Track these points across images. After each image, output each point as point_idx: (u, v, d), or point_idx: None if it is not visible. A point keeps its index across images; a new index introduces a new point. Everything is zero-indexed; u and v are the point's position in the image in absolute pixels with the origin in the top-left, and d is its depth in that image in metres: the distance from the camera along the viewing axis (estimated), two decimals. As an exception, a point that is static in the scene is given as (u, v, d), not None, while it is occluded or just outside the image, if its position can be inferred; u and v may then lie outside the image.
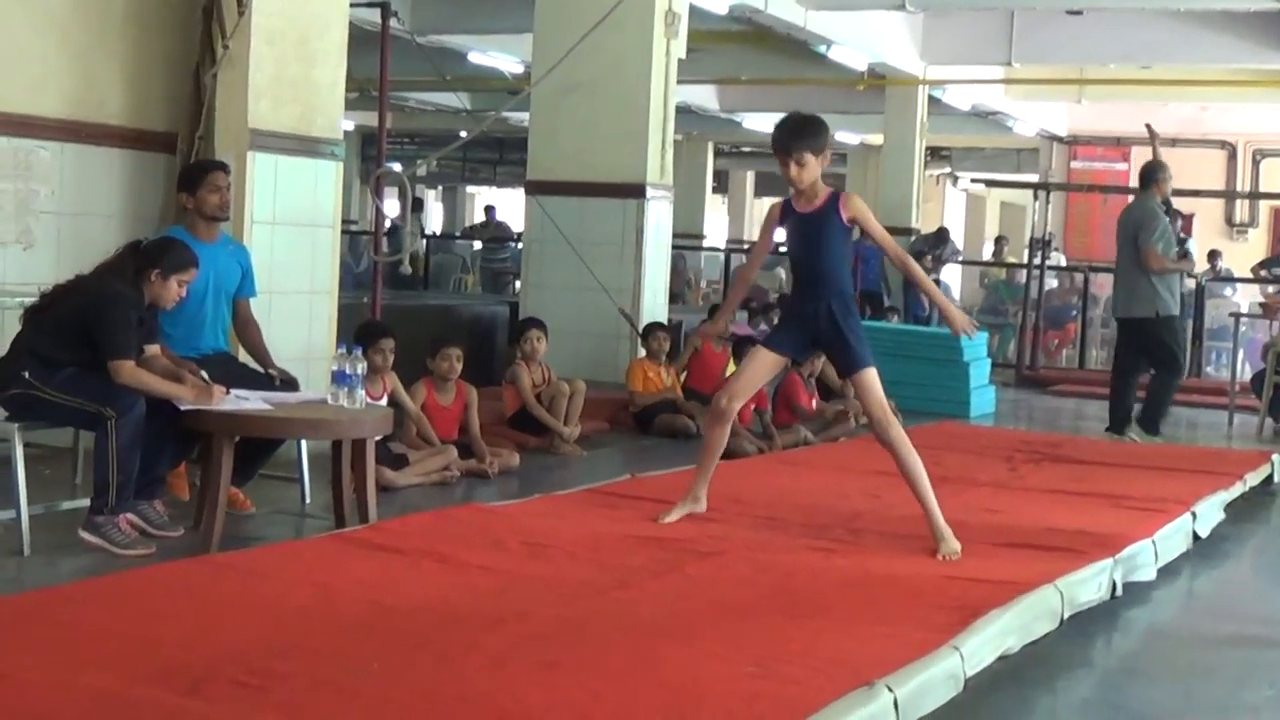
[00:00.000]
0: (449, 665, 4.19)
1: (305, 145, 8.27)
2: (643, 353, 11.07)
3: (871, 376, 6.42)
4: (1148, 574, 6.56)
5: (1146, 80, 20.59)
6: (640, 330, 11.49)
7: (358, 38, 8.65)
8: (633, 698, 3.99)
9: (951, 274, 23.21)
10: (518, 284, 20.22)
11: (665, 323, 11.56)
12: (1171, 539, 7.03)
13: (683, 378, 11.19)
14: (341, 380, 6.50)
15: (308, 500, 7.34)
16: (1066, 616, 5.58)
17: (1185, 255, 17.12)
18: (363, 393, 6.59)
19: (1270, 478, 9.35)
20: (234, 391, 6.41)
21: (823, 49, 17.28)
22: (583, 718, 3.79)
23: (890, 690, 4.11)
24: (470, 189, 40.07)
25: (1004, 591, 5.35)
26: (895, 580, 5.68)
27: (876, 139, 25.92)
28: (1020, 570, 5.79)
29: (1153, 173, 11.41)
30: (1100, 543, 6.39)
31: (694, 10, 12.40)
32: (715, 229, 34.89)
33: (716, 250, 27.27)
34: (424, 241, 15.73)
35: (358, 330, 8.04)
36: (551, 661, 4.26)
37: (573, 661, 4.27)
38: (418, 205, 11.87)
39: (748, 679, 4.21)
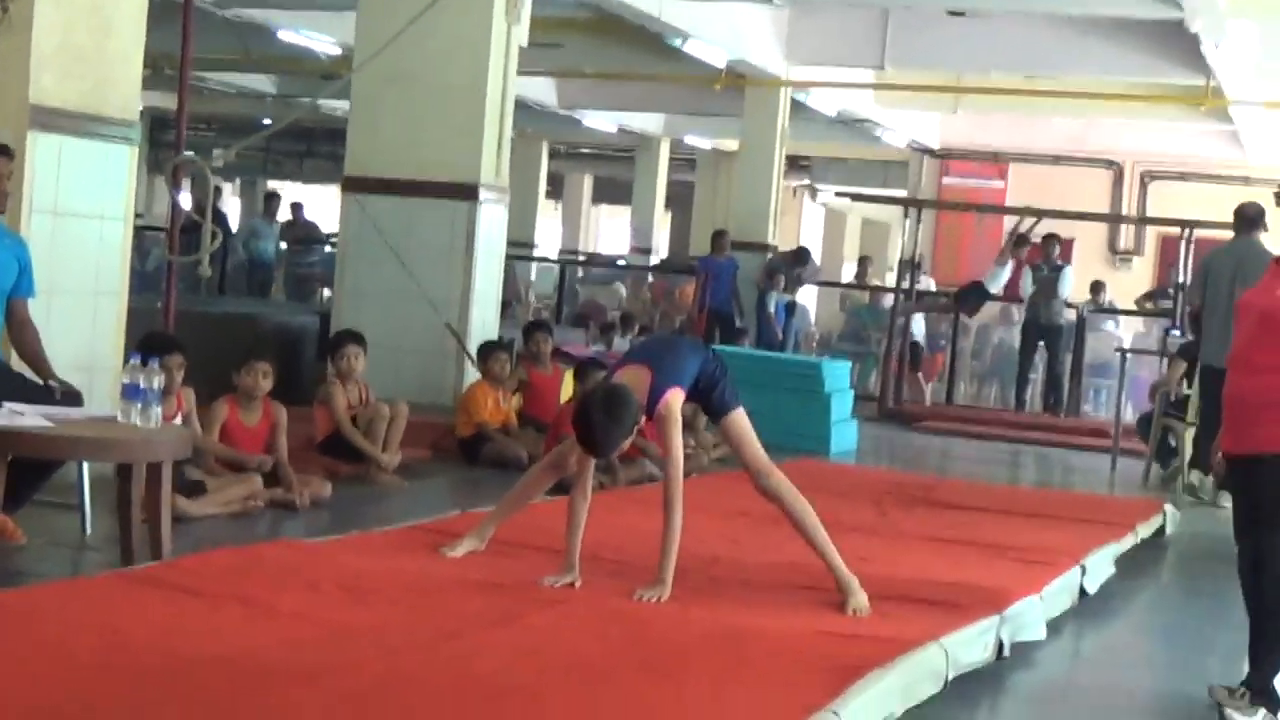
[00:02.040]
0: (261, 727, 4.06)
1: (95, 126, 8.03)
2: (476, 375, 10.96)
3: (743, 419, 6.41)
4: (1035, 633, 6.61)
5: (1028, 91, 20.94)
6: (469, 348, 11.39)
7: (152, 8, 8.44)
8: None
9: (808, 295, 23.38)
10: (326, 291, 20.09)
11: (499, 340, 11.47)
12: (1059, 595, 7.10)
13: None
14: (134, 395, 6.32)
15: (89, 531, 7.13)
16: (950, 678, 5.59)
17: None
18: (159, 410, 6.41)
19: (1162, 529, 9.50)
20: (7, 404, 6.20)
21: (678, 42, 17.31)
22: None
23: (764, 761, 4.07)
24: (273, 183, 39.63)
25: (884, 650, 5.34)
26: (763, 634, 5.64)
27: (730, 144, 26.12)
28: (900, 626, 5.80)
29: (1261, 214, 11.60)
30: (985, 598, 6.42)
31: (536, -5, 12.35)
32: (548, 237, 34.88)
33: (549, 261, 27.27)
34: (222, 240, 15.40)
35: (141, 342, 7.83)
36: (378, 724, 4.15)
37: (403, 724, 4.17)
38: (216, 197, 11.68)
39: (602, 747, 4.14)
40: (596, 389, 6.30)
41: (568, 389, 11.30)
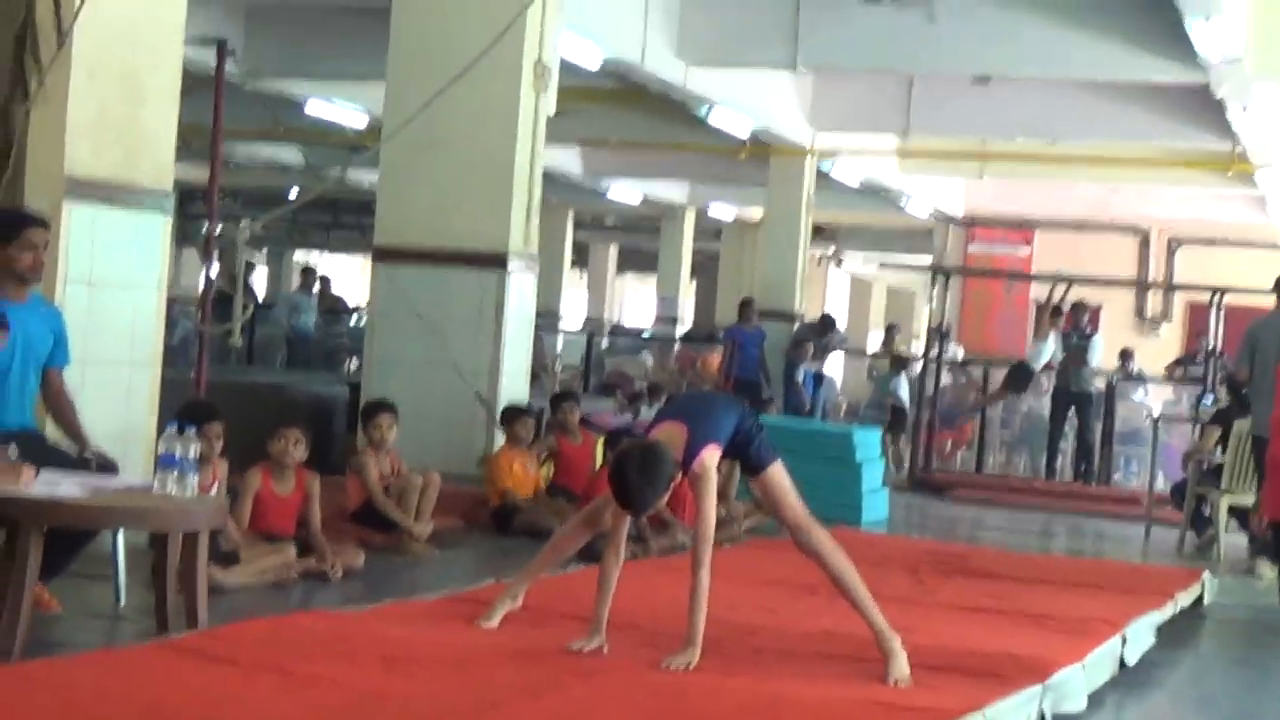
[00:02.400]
0: (304, 798, 4.03)
1: (129, 196, 8.06)
2: (501, 440, 10.94)
3: (781, 474, 6.37)
4: (1077, 704, 6.54)
5: (1053, 157, 20.99)
6: (493, 413, 11.38)
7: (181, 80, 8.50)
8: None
9: (835, 365, 23.38)
10: (354, 362, 20.13)
11: (522, 405, 11.45)
12: (1100, 665, 7.03)
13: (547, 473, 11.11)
14: (170, 464, 6.30)
15: (123, 601, 7.11)
16: (995, 750, 5.53)
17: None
18: (194, 479, 6.40)
19: (1200, 599, 9.42)
20: (43, 474, 6.19)
21: (703, 111, 17.39)
22: None
23: (812, 834, 4.02)
24: (299, 254, 39.81)
25: (928, 720, 5.29)
26: (804, 705, 5.60)
27: (755, 213, 26.17)
28: (944, 696, 5.75)
29: None
30: (1027, 667, 6.36)
31: (562, 65, 12.38)
32: (573, 307, 34.95)
33: (574, 333, 27.29)
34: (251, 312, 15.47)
35: (181, 410, 7.83)
36: (423, 795, 4.11)
37: (448, 796, 4.13)
38: (247, 270, 11.73)
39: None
40: (633, 446, 6.25)
41: (598, 458, 11.29)
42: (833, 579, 6.38)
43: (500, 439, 11.26)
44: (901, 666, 6.16)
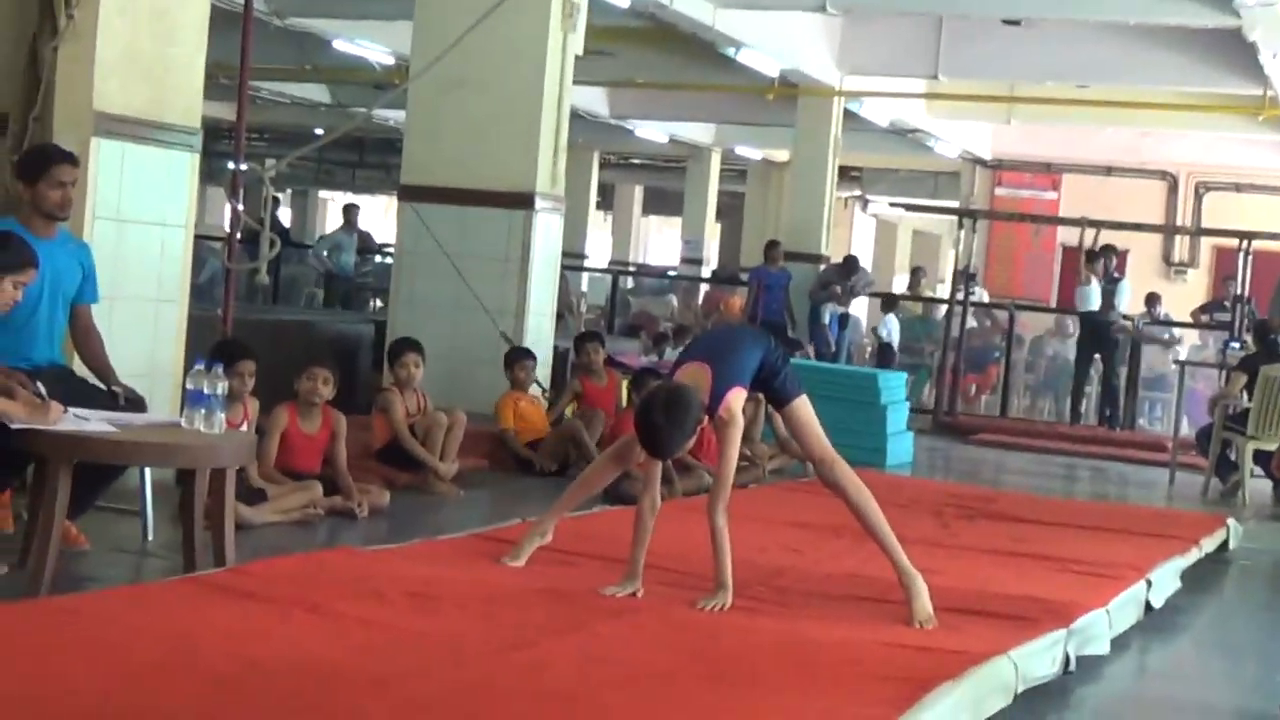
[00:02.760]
0: (333, 733, 4.05)
1: (158, 132, 8.06)
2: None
3: (806, 407, 6.36)
4: (1101, 647, 6.55)
5: (1082, 101, 20.85)
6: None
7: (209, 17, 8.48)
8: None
9: (860, 307, 23.32)
10: (378, 301, 20.12)
11: (554, 347, 11.43)
12: (1125, 609, 7.04)
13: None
14: (199, 401, 6.31)
15: (150, 537, 7.14)
16: (1019, 692, 5.53)
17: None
18: (222, 416, 6.41)
19: (1225, 544, 9.42)
20: (72, 410, 6.20)
21: (731, 51, 17.31)
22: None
23: (838, 773, 4.03)
24: (324, 193, 39.78)
25: (953, 662, 5.30)
26: (831, 645, 5.61)
27: (782, 155, 26.10)
28: (969, 639, 5.75)
29: None
30: (1051, 611, 6.37)
31: (591, 4, 12.33)
32: (599, 248, 34.90)
33: (600, 272, 27.26)
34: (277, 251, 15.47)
35: (213, 348, 7.84)
36: (450, 732, 4.13)
37: (474, 733, 4.15)
38: (273, 207, 11.67)
39: (676, 756, 4.11)
40: (660, 389, 6.23)
41: (623, 399, 11.29)
42: (855, 514, 6.38)
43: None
44: (925, 606, 6.16)
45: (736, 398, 6.17)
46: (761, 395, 6.77)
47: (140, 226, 8.07)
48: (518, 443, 10.49)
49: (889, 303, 20.15)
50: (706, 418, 6.12)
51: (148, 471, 7.08)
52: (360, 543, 7.27)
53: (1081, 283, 17.76)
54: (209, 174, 27.23)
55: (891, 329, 19.76)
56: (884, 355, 19.27)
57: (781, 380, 6.37)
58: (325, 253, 21.20)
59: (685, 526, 7.60)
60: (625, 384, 11.32)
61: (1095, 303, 17.52)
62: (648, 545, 6.32)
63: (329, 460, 8.42)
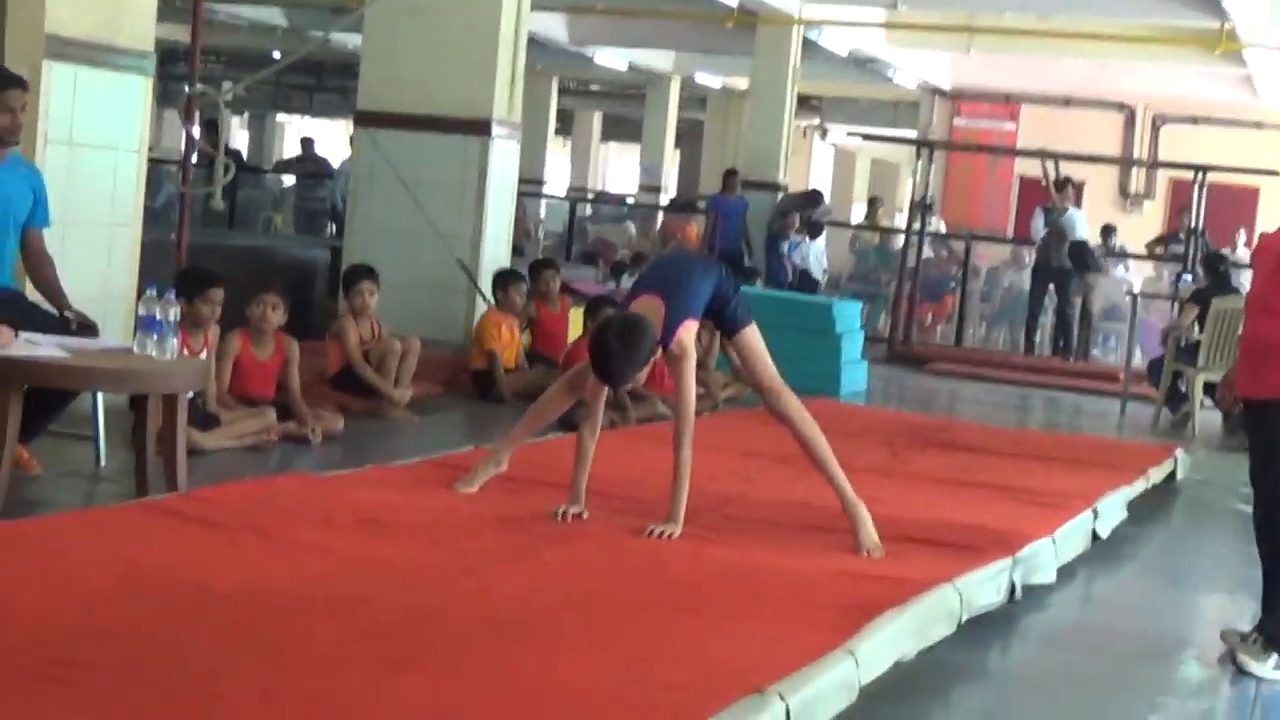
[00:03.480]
0: (282, 659, 4.07)
1: (110, 56, 8.00)
2: (483, 308, 10.94)
3: (754, 336, 6.39)
4: (1047, 576, 6.62)
5: (1041, 32, 20.83)
6: (480, 284, 11.35)
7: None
8: (494, 704, 3.91)
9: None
10: (333, 226, 20.03)
11: (516, 270, 11.40)
12: (1071, 538, 7.11)
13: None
14: (151, 326, 6.32)
15: (103, 462, 7.16)
16: (964, 620, 5.60)
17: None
18: (175, 342, 6.41)
19: (1173, 474, 9.51)
20: (24, 334, 6.19)
21: (690, -23, 17.23)
22: (440, 724, 3.70)
23: (782, 699, 4.08)
24: (281, 117, 39.52)
25: (899, 590, 5.35)
26: (778, 573, 5.65)
27: (741, 83, 25.99)
28: (914, 567, 5.81)
29: None
30: (998, 540, 6.44)
31: (550, -72, 12.29)
32: (557, 175, 34.80)
33: (558, 199, 27.18)
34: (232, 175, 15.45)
35: (181, 276, 7.86)
36: (399, 659, 4.16)
37: (424, 660, 4.18)
38: (209, 129, 11.56)
39: (623, 683, 4.15)
40: (614, 318, 6.24)
41: (576, 326, 11.31)
42: (801, 444, 6.42)
43: (481, 306, 11.27)
44: (870, 535, 6.22)
45: (688, 330, 6.19)
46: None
47: (93, 151, 8.02)
48: (500, 368, 10.44)
49: (814, 229, 20.01)
50: (659, 349, 6.14)
51: (100, 397, 7.08)
52: (313, 468, 7.29)
53: (1060, 214, 17.74)
54: (164, 97, 27.12)
55: (813, 257, 19.61)
56: (804, 283, 19.14)
57: (732, 309, 6.39)
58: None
59: (637, 453, 7.68)
60: (581, 311, 11.33)
61: (1080, 227, 17.59)
62: (589, 468, 6.35)
63: (283, 386, 8.42)
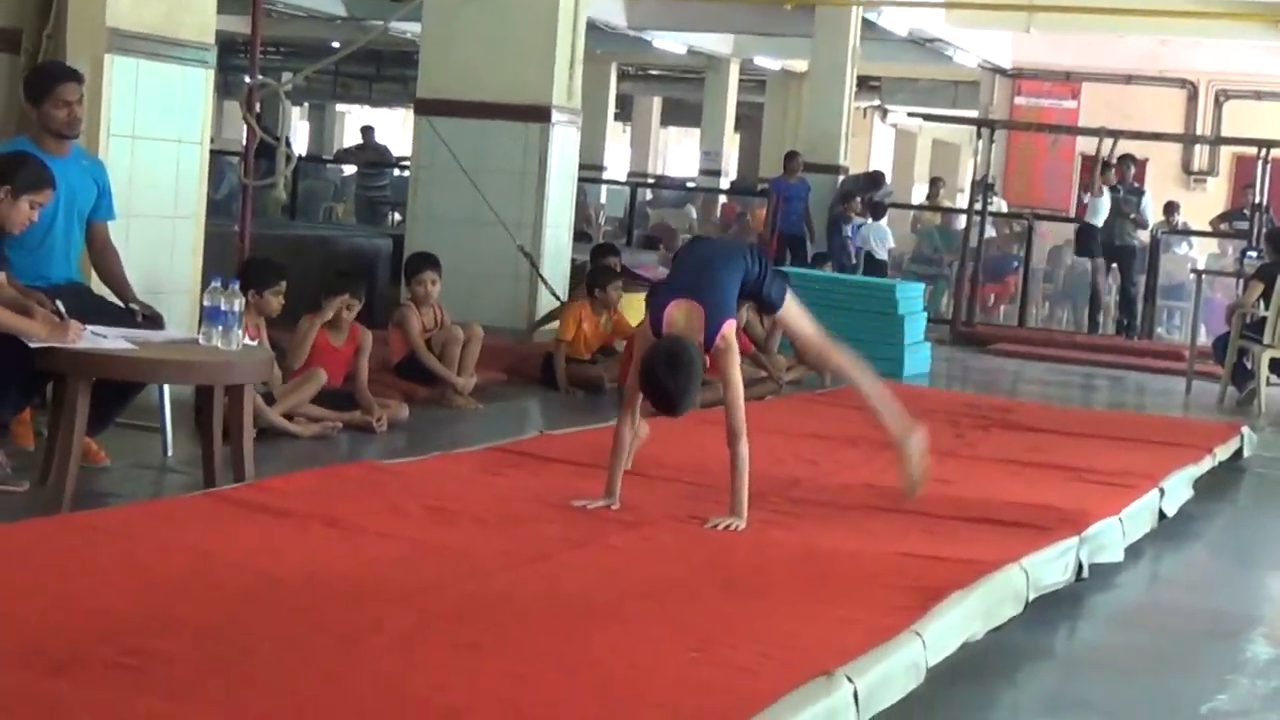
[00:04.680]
0: (352, 646, 4.10)
1: (171, 49, 8.05)
2: (548, 299, 10.94)
3: (792, 307, 6.42)
4: (1114, 555, 6.59)
5: (1102, 9, 20.68)
6: (542, 271, 11.38)
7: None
8: (565, 687, 3.93)
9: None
10: (396, 215, 20.12)
11: (609, 267, 11.21)
12: (1138, 517, 7.07)
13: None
14: (216, 318, 6.36)
15: (170, 453, 7.20)
16: (1031, 600, 5.58)
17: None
18: (239, 333, 6.46)
19: (1239, 452, 9.45)
20: (90, 327, 6.25)
21: (748, -40, 17.19)
22: (512, 711, 3.71)
23: (850, 681, 4.08)
24: (341, 107, 39.65)
25: (965, 571, 5.34)
26: (844, 556, 5.66)
27: (800, 65, 25.93)
28: (980, 548, 5.79)
29: None
30: (1064, 519, 6.41)
31: (608, -86, 12.31)
32: (617, 160, 34.80)
33: (619, 184, 27.18)
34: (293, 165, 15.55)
35: (246, 268, 7.92)
36: (469, 643, 4.19)
37: (492, 644, 4.21)
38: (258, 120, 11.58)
39: (690, 666, 4.16)
40: (660, 352, 6.04)
41: (636, 313, 11.26)
42: (861, 393, 6.52)
43: (543, 293, 11.29)
44: (916, 466, 6.40)
45: (730, 329, 6.15)
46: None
47: (155, 143, 8.08)
48: (562, 360, 10.40)
49: (877, 210, 19.95)
50: (706, 355, 6.11)
51: (166, 388, 7.13)
52: (379, 457, 7.33)
53: (1094, 194, 17.74)
54: (225, 88, 27.25)
55: (878, 239, 19.57)
56: (870, 266, 19.11)
57: (767, 291, 6.37)
58: None
59: (700, 438, 7.67)
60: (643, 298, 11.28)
61: (1104, 214, 17.53)
62: (625, 463, 6.33)
63: (351, 375, 8.46)
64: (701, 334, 6.05)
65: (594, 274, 10.90)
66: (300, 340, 8.25)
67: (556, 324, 10.86)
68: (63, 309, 6.23)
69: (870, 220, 19.59)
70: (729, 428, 6.13)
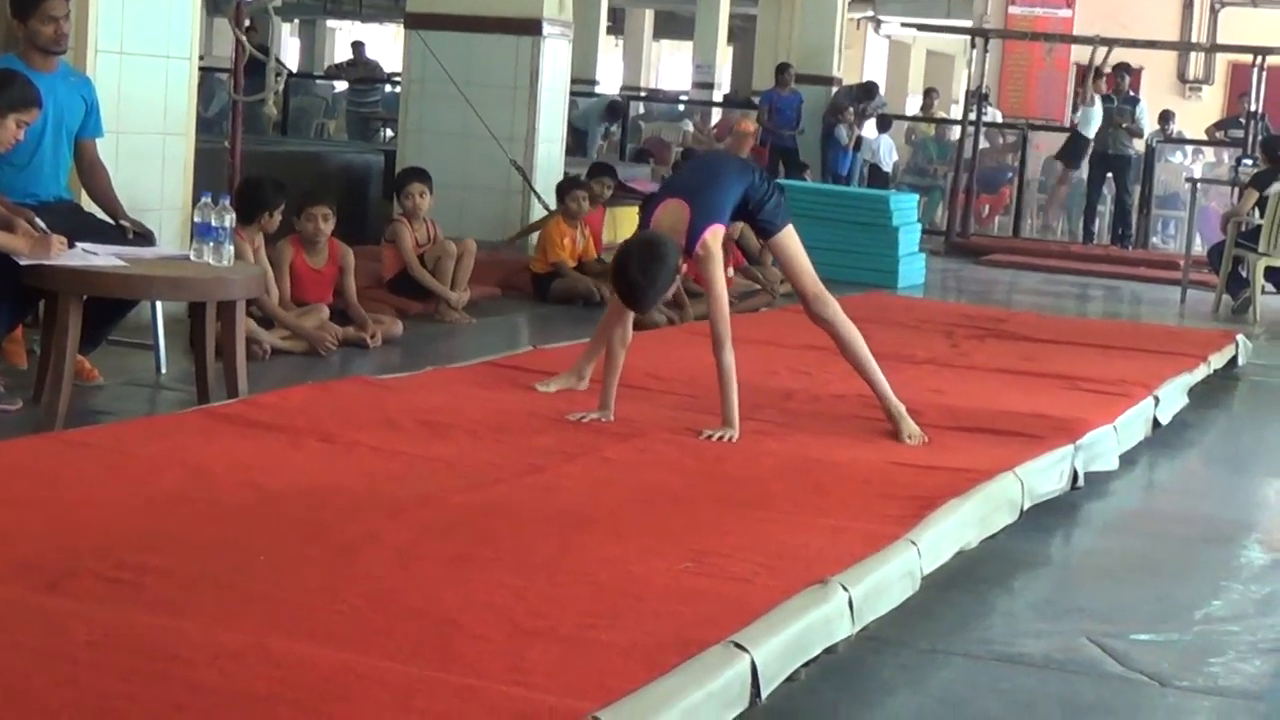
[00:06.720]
0: (348, 559, 4.11)
1: (159, -36, 8.00)
2: (541, 212, 10.91)
3: (790, 238, 6.33)
4: (1109, 463, 6.61)
5: (1097, -85, 20.56)
6: (535, 185, 11.33)
7: None
8: (561, 597, 3.93)
9: (872, 129, 23.16)
10: (388, 131, 20.03)
11: (575, 177, 11.30)
12: (1133, 425, 7.08)
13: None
14: (207, 234, 6.33)
15: (163, 370, 7.20)
16: (1026, 508, 5.60)
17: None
18: (231, 249, 6.43)
19: (1234, 360, 9.45)
20: (80, 245, 6.22)
21: None
22: (506, 620, 3.72)
23: (845, 589, 4.09)
24: (331, 23, 39.36)
25: (960, 480, 5.35)
26: (838, 466, 5.66)
27: (793, -25, 25.75)
28: (975, 457, 5.81)
29: None
30: (1059, 428, 6.42)
31: None
32: (609, 74, 34.59)
33: (611, 97, 27.01)
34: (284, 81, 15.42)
35: (243, 187, 7.90)
36: (464, 555, 4.20)
37: (488, 555, 4.22)
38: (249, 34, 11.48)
39: (686, 575, 4.17)
40: (634, 244, 6.03)
41: (630, 225, 11.23)
42: (841, 348, 6.40)
43: (536, 207, 11.25)
44: (910, 425, 6.25)
45: (714, 236, 6.05)
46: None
47: (144, 59, 8.03)
48: (568, 278, 10.42)
49: (883, 123, 19.91)
50: (686, 257, 6.04)
51: (159, 305, 7.12)
52: (373, 372, 7.32)
53: (1085, 103, 17.67)
54: (214, 4, 27.03)
55: (883, 151, 19.54)
56: (875, 178, 19.08)
57: (768, 211, 6.27)
58: None
59: (695, 350, 7.64)
60: (636, 210, 11.26)
61: (1095, 124, 17.47)
62: (619, 375, 6.31)
63: (339, 293, 8.43)
64: (684, 237, 5.99)
65: (559, 187, 10.89)
66: (277, 268, 8.18)
67: (535, 236, 10.85)
68: (43, 224, 6.18)
69: (877, 132, 19.56)
70: (712, 336, 6.08)
